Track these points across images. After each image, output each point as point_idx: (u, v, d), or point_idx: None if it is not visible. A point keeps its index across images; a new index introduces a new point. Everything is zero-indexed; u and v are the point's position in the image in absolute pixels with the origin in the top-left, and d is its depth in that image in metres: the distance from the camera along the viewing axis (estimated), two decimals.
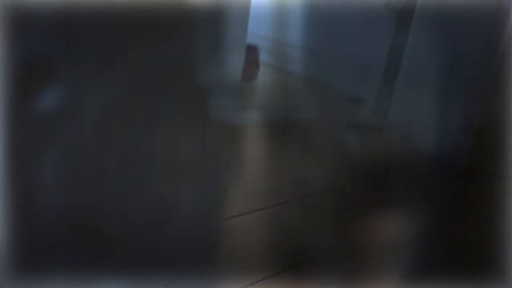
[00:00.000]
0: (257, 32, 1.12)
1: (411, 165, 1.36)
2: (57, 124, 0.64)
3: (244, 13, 0.89)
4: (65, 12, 0.61)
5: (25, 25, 0.58)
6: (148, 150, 0.75)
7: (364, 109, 1.45)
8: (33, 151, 0.64)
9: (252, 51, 1.25)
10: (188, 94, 0.79)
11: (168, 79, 0.74)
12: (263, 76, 1.29)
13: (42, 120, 0.63)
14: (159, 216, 0.80)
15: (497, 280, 0.99)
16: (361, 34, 1.40)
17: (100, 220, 0.73)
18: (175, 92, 0.76)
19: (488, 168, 1.36)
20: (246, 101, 1.02)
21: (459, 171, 1.38)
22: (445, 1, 1.31)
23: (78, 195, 0.70)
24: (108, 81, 0.68)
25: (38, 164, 0.64)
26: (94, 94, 0.66)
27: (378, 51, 1.43)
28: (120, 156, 0.72)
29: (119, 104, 0.70)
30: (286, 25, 1.31)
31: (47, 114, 0.63)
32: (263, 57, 1.26)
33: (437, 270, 1.01)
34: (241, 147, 1.00)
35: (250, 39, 1.05)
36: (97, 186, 0.71)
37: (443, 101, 1.41)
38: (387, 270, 0.98)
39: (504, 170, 1.33)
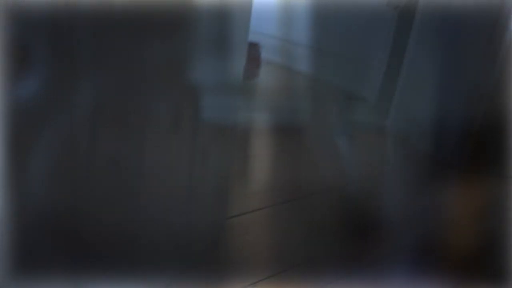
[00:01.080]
0: (261, 30, 1.12)
1: (412, 164, 1.35)
2: (43, 122, 0.63)
3: (245, 12, 0.89)
4: (58, 7, 0.60)
5: (16, 17, 0.57)
6: (137, 149, 0.74)
7: (366, 108, 1.45)
8: (24, 149, 0.63)
9: (253, 48, 1.24)
10: (179, 94, 0.78)
11: (159, 78, 0.74)
12: (265, 75, 1.29)
13: (27, 116, 0.62)
14: (151, 217, 0.80)
15: (498, 281, 0.99)
16: (363, 33, 1.39)
17: (93, 221, 0.72)
18: (165, 91, 0.76)
19: (489, 167, 1.36)
20: (245, 101, 1.01)
21: (460, 170, 1.38)
22: (448, 0, 1.30)
23: (67, 195, 0.69)
24: (98, 79, 0.67)
25: (29, 161, 0.64)
26: (83, 91, 0.66)
27: (380, 51, 1.43)
28: (109, 155, 0.71)
29: (109, 102, 0.69)
30: (289, 24, 1.31)
31: (31, 111, 0.62)
32: (265, 55, 1.25)
33: (437, 270, 1.01)
34: (239, 147, 0.99)
35: (253, 37, 1.04)
36: (85, 186, 0.70)
37: (444, 101, 1.40)
38: (386, 271, 0.98)
39: (505, 170, 1.33)
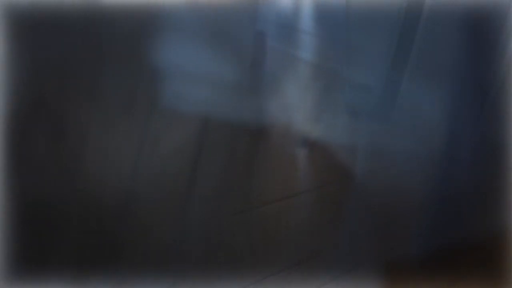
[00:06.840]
0: (267, 18, 1.10)
1: (417, 157, 1.35)
2: None
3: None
4: None
5: None
6: (84, 127, 0.71)
7: (371, 98, 1.43)
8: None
9: (259, 36, 1.22)
10: (135, 76, 0.74)
11: (116, 57, 0.71)
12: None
13: None
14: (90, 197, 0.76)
15: (498, 279, 0.99)
16: (371, 21, 1.37)
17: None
18: (120, 70, 0.72)
19: (494, 163, 1.35)
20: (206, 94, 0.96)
21: (466, 165, 1.37)
22: None
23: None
24: (46, 43, 0.64)
25: None
26: (29, 55, 0.63)
27: (387, 39, 1.40)
28: (49, 126, 0.68)
29: (57, 76, 0.66)
30: (295, 11, 1.28)
31: None
32: (272, 42, 1.22)
33: (438, 267, 1.01)
34: (195, 137, 0.93)
35: (262, 25, 1.01)
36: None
37: (451, 93, 1.39)
38: (388, 268, 0.98)
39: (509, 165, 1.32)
